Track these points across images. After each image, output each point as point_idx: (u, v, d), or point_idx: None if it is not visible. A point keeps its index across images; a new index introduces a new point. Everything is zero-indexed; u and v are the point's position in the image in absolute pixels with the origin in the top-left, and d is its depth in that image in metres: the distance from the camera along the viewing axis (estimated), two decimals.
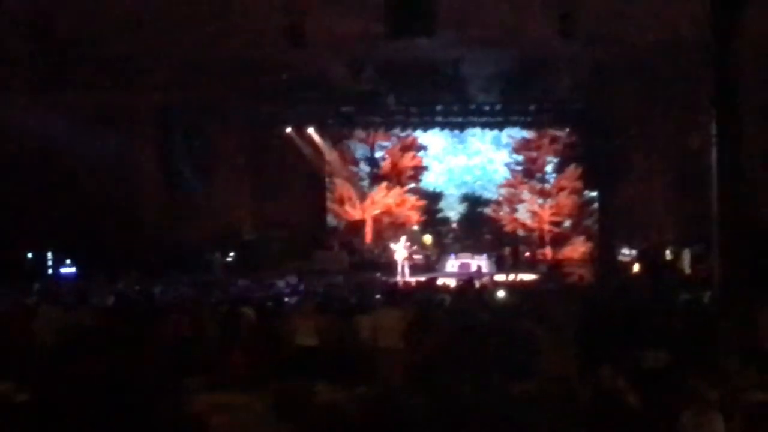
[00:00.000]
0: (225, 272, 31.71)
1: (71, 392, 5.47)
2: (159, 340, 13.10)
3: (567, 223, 39.61)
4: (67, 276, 28.92)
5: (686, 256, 28.58)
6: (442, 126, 38.63)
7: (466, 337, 13.97)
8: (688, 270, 28.25)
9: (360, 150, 41.17)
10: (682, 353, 8.65)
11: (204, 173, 33.47)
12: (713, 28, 19.57)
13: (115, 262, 26.95)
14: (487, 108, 35.93)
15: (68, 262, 29.74)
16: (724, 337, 10.86)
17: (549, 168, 40.27)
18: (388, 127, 39.26)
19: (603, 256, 35.49)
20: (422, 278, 28.80)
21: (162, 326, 14.58)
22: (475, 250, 37.44)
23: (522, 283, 28.09)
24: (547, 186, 39.93)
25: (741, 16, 19.19)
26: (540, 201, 39.54)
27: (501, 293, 19.52)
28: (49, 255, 29.61)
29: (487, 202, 40.74)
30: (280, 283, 26.15)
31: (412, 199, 39.98)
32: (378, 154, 41.16)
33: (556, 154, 39.89)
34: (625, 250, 34.26)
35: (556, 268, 34.02)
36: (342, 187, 39.94)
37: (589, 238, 38.58)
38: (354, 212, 39.61)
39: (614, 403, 5.85)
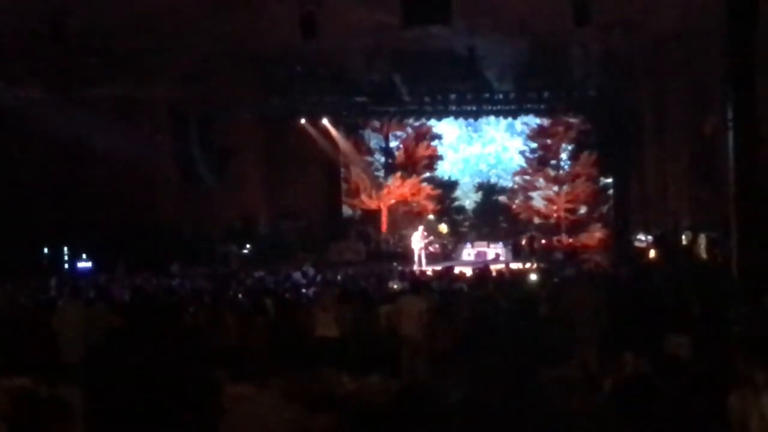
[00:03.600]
0: (241, 264, 31.70)
1: (112, 389, 5.51)
2: (180, 334, 13.15)
3: (582, 210, 39.57)
4: (83, 270, 28.93)
5: (702, 241, 28.49)
6: (457, 115, 38.54)
7: (486, 324, 14.02)
8: (704, 255, 28.18)
9: (374, 140, 41.23)
10: (704, 338, 8.66)
11: (219, 166, 33.49)
12: (729, 13, 19.52)
13: (132, 256, 26.97)
14: (501, 96, 35.83)
15: (84, 256, 29.74)
16: (747, 322, 10.86)
17: (564, 155, 40.23)
18: (403, 116, 39.24)
19: (619, 243, 35.44)
20: (439, 267, 28.82)
21: (181, 320, 14.65)
22: (491, 238, 37.43)
23: (539, 270, 28.10)
24: (562, 173, 39.89)
25: (757, 1, 19.15)
26: (555, 188, 39.51)
27: (533, 277, 19.60)
28: (66, 250, 29.63)
29: (502, 190, 40.76)
30: (297, 275, 26.16)
31: (427, 188, 39.93)
32: (393, 144, 41.21)
33: (570, 142, 39.85)
34: (641, 236, 34.18)
35: (572, 255, 33.99)
36: (357, 177, 39.88)
37: (605, 225, 38.51)
38: (369, 202, 39.56)
39: (639, 388, 5.85)
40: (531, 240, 36.14)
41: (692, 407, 5.81)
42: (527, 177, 40.24)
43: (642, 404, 5.42)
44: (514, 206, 40.14)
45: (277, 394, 6.51)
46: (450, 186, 41.01)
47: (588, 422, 5.32)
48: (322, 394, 6.85)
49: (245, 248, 34.22)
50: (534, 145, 40.36)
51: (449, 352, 13.50)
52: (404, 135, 40.88)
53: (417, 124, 40.34)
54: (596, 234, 38.42)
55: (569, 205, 39.21)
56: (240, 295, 19.52)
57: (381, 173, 40.90)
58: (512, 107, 37.09)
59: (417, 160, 40.32)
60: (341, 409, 6.30)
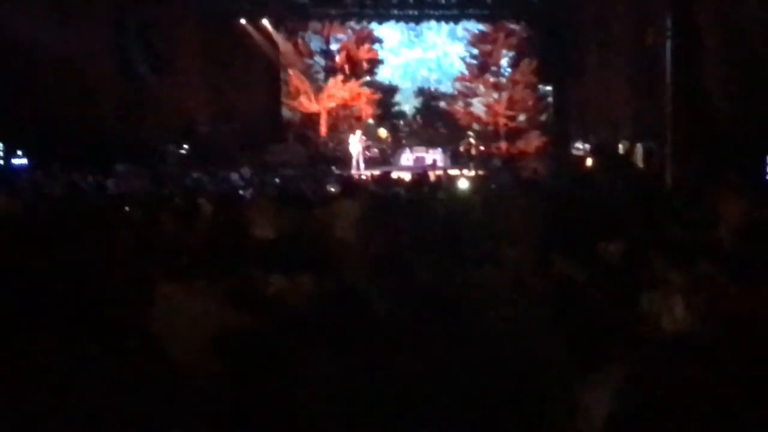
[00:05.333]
0: (179, 165, 31.47)
1: (27, 282, 5.38)
2: (113, 231, 13.00)
3: (522, 118, 39.65)
4: (19, 167, 28.53)
5: (639, 150, 28.72)
6: (398, 19, 38.28)
7: (421, 229, 14.03)
8: (641, 164, 28.41)
9: (315, 42, 40.85)
10: (638, 243, 8.71)
11: (159, 65, 33.01)
12: None
13: (69, 154, 26.60)
14: (443, 1, 35.62)
15: (20, 153, 29.30)
16: (679, 226, 10.93)
17: (504, 62, 40.20)
18: (344, 19, 38.84)
19: (557, 151, 35.63)
20: (377, 171, 28.83)
21: (115, 217, 14.50)
22: (430, 143, 37.48)
23: (477, 176, 28.19)
24: (503, 80, 39.89)
25: None
26: (495, 95, 39.48)
27: (464, 183, 19.61)
28: (0, 145, 29.16)
29: (442, 96, 40.73)
30: (235, 176, 26.05)
31: (367, 92, 39.73)
32: (333, 47, 40.86)
33: (511, 48, 39.80)
34: (579, 145, 34.38)
35: (510, 162, 34.15)
36: (297, 79, 39.55)
37: (543, 133, 38.67)
38: (309, 105, 39.29)
39: (568, 291, 5.88)
40: (469, 146, 36.20)
41: (616, 312, 5.86)
42: (467, 83, 40.19)
43: (569, 308, 5.43)
44: (454, 112, 40.07)
45: (202, 293, 6.47)
46: (390, 91, 40.91)
47: (514, 324, 5.32)
48: (249, 293, 6.82)
49: (183, 148, 33.92)
50: (475, 51, 40.29)
51: (383, 257, 13.50)
52: (345, 38, 40.55)
53: (358, 27, 39.98)
54: (535, 142, 38.58)
55: (509, 112, 39.24)
56: (176, 195, 19.40)
57: (321, 76, 40.61)
58: (454, 12, 36.87)
59: (357, 64, 40.10)
60: (267, 308, 6.27)
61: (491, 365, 3.66)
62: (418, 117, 40.79)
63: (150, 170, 28.31)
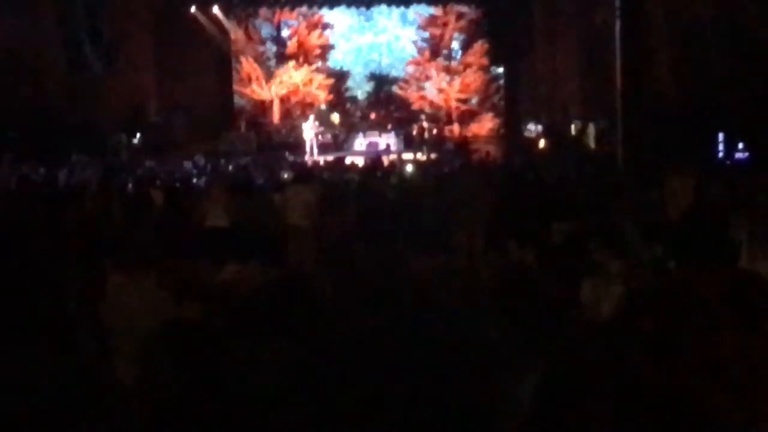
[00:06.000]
0: (131, 154, 31.29)
1: None
2: (65, 223, 12.94)
3: (474, 100, 39.78)
4: None
5: (591, 131, 28.92)
6: (348, 3, 38.20)
7: (374, 214, 14.08)
8: (593, 145, 28.62)
9: (266, 29, 40.67)
10: (587, 226, 8.79)
11: (108, 54, 32.75)
12: None
13: (18, 145, 26.38)
14: None
15: None
16: (626, 209, 11.06)
17: (455, 45, 40.29)
18: (294, 4, 38.70)
19: (509, 133, 35.79)
20: (330, 157, 28.83)
21: (68, 209, 14.42)
22: (383, 128, 37.52)
23: (430, 160, 28.29)
24: (454, 63, 39.99)
25: None
26: (447, 78, 39.55)
27: (409, 169, 19.63)
28: None
29: (394, 80, 40.69)
30: (187, 165, 25.97)
31: (319, 77, 39.65)
32: (284, 33, 40.72)
33: (462, 31, 39.90)
34: (531, 126, 34.56)
35: (463, 145, 34.25)
36: (248, 66, 39.41)
37: (496, 115, 38.84)
38: (261, 92, 39.21)
39: (518, 276, 5.93)
40: (422, 130, 36.24)
41: (566, 296, 5.93)
42: (419, 67, 40.24)
43: (521, 294, 5.48)
44: (406, 96, 40.11)
45: (149, 283, 6.49)
46: (342, 76, 40.84)
47: (466, 310, 5.37)
48: (196, 282, 6.85)
49: (135, 138, 33.72)
50: (426, 34, 40.35)
51: (336, 243, 13.55)
52: (296, 24, 40.45)
53: (309, 12, 39.88)
54: (487, 124, 38.75)
55: (461, 95, 39.36)
56: (128, 185, 19.31)
57: (273, 63, 40.48)
58: None
59: (309, 50, 40.00)
60: (215, 297, 6.30)
61: (437, 347, 3.71)
62: (374, 102, 40.77)
63: (102, 160, 28.13)
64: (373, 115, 39.85)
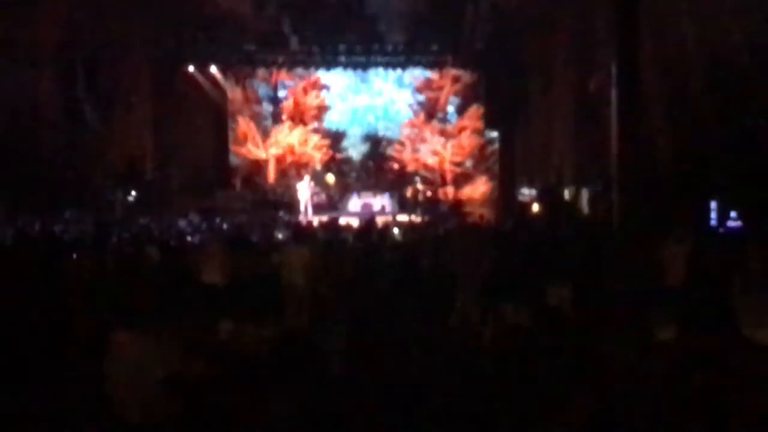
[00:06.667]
0: (126, 211, 31.33)
1: None
2: (63, 279, 12.99)
3: (468, 163, 39.96)
4: None
5: (584, 195, 28.99)
6: (345, 65, 38.42)
7: (369, 275, 14.14)
8: (586, 209, 28.69)
9: (263, 89, 40.93)
10: (584, 289, 8.88)
11: (105, 110, 32.88)
12: None
13: (14, 198, 26.40)
14: (390, 48, 35.87)
15: None
16: (621, 273, 11.14)
17: (451, 108, 40.56)
18: (291, 66, 38.95)
19: (503, 196, 35.89)
20: (325, 217, 28.90)
21: (65, 265, 14.46)
22: (378, 189, 37.66)
23: (424, 222, 28.37)
24: (449, 126, 40.21)
25: None
26: (442, 141, 39.76)
27: (396, 231, 19.71)
28: None
29: (389, 142, 40.87)
30: (182, 222, 26.01)
31: (315, 138, 39.91)
32: (281, 94, 41.00)
33: (457, 95, 40.18)
34: (525, 190, 34.66)
35: (457, 207, 34.33)
36: (245, 125, 39.64)
37: (490, 178, 38.99)
38: (257, 151, 39.40)
39: (518, 339, 6.00)
40: (416, 192, 36.37)
41: (566, 358, 5.98)
42: (415, 129, 40.47)
43: (519, 355, 5.55)
44: (401, 158, 40.29)
45: (152, 340, 6.53)
46: (338, 136, 41.03)
47: (465, 372, 5.44)
48: (197, 339, 6.90)
49: (130, 194, 33.77)
50: (421, 97, 40.64)
51: (332, 303, 13.60)
52: (293, 84, 40.71)
53: (306, 74, 40.14)
54: (481, 187, 38.91)
55: (455, 158, 39.59)
56: (124, 242, 19.35)
57: (269, 122, 40.67)
58: (401, 59, 37.12)
59: (305, 110, 40.27)
60: (216, 354, 6.34)
61: (438, 407, 3.77)
62: (369, 163, 40.92)
63: (97, 215, 28.17)
64: (368, 177, 40.01)
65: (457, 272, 14.14)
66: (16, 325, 6.93)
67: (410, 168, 39.92)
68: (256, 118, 40.27)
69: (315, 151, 39.74)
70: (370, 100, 41.03)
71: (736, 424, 3.55)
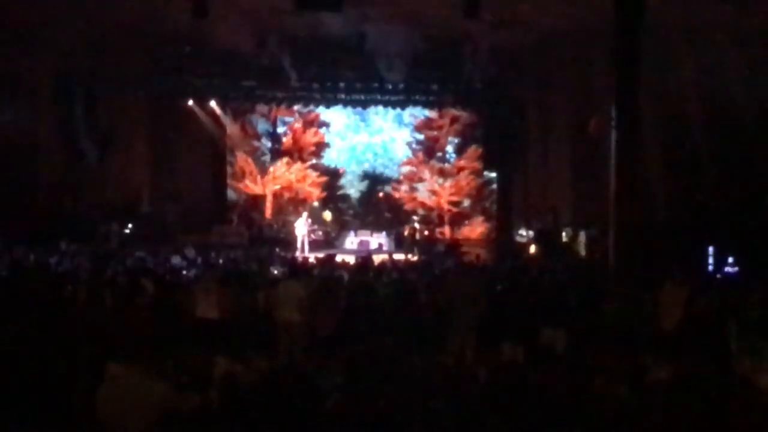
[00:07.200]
0: (122, 244, 31.29)
1: None
2: (57, 312, 12.92)
3: (466, 203, 40.04)
4: None
5: (582, 238, 29.03)
6: (345, 103, 38.41)
7: (365, 312, 14.09)
8: (583, 252, 28.72)
9: (262, 125, 40.99)
10: (579, 331, 8.86)
11: (103, 143, 32.91)
12: (617, 16, 19.92)
13: (10, 231, 26.37)
14: (389, 86, 35.91)
15: None
16: (622, 317, 11.13)
17: (450, 148, 40.63)
18: (291, 102, 38.95)
19: (500, 237, 35.87)
20: (321, 254, 28.84)
21: (59, 297, 14.41)
22: (375, 227, 37.66)
23: (420, 261, 28.33)
24: (448, 166, 40.28)
25: (645, 6, 19.57)
26: (440, 180, 39.84)
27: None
28: None
29: (387, 180, 40.94)
30: (176, 257, 25.93)
31: (313, 175, 39.98)
32: (280, 130, 41.09)
33: (456, 134, 40.27)
34: (523, 231, 34.68)
35: (454, 247, 34.30)
36: (243, 161, 39.69)
37: (487, 219, 39.03)
38: (254, 187, 39.43)
39: (514, 380, 5.95)
40: (414, 231, 36.34)
41: (562, 399, 5.94)
42: (413, 168, 40.52)
43: (514, 396, 5.50)
44: (399, 197, 40.32)
45: (147, 374, 6.47)
46: (336, 174, 41.09)
47: (460, 411, 5.39)
48: (193, 374, 6.84)
49: (127, 228, 33.74)
50: (421, 136, 40.74)
51: (327, 339, 13.55)
52: (292, 121, 40.79)
53: (305, 110, 40.18)
54: (478, 228, 38.97)
55: (453, 198, 39.65)
56: (119, 275, 19.28)
57: (267, 158, 40.72)
58: (400, 98, 37.14)
59: (304, 147, 40.33)
60: (212, 389, 6.29)
61: None
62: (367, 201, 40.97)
63: (92, 248, 28.13)
64: (365, 215, 40.04)
65: (452, 311, 14.12)
66: (10, 356, 6.87)
67: (408, 207, 39.96)
68: (255, 154, 40.33)
69: (312, 188, 39.82)
70: (369, 138, 41.11)
71: None
